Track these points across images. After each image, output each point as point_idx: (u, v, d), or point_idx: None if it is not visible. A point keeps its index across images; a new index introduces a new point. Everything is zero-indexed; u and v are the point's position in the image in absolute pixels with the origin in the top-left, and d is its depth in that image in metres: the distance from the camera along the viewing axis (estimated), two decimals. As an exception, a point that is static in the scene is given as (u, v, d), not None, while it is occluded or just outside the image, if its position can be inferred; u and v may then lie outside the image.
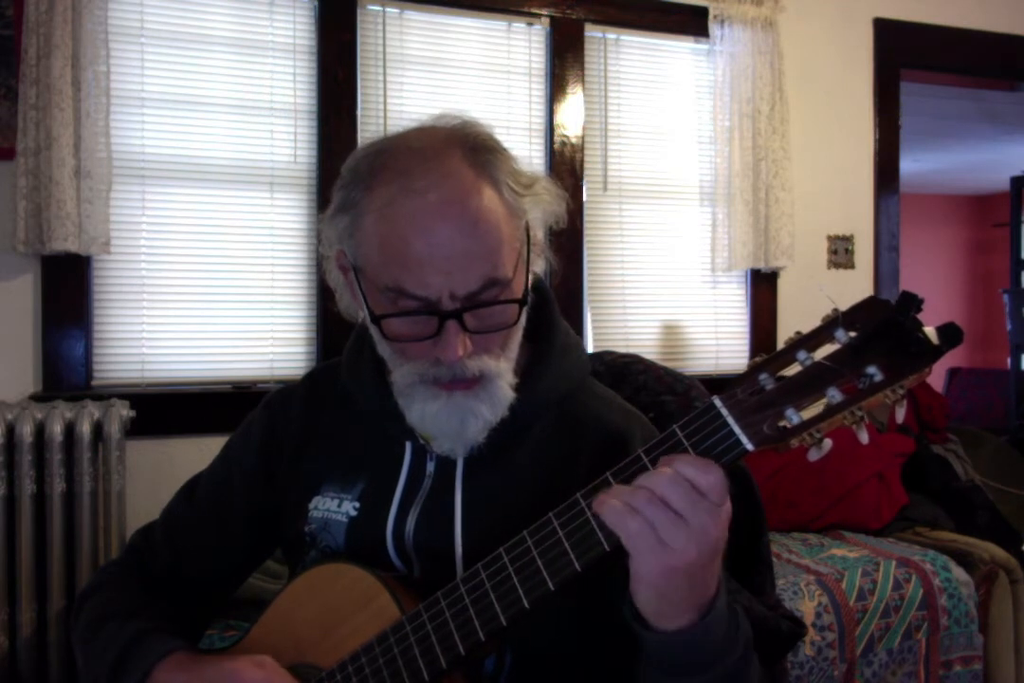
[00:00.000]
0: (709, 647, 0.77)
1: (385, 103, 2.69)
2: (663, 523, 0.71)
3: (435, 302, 0.85)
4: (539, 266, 0.98)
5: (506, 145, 0.94)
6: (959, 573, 2.35)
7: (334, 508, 0.99)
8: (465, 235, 0.84)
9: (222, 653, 0.96)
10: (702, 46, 3.06)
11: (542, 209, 0.94)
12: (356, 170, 0.90)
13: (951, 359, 6.53)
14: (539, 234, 0.95)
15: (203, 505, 1.09)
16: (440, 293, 0.85)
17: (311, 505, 1.01)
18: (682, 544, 0.71)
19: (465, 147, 0.88)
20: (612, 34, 2.97)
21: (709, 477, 0.71)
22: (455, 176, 0.86)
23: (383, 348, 0.93)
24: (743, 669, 0.80)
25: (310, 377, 1.11)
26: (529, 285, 0.92)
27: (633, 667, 0.85)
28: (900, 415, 0.73)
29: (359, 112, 2.65)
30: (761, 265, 3.01)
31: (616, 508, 0.72)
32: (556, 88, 2.88)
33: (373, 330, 0.92)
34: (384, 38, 2.69)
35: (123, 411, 2.20)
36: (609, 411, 1.00)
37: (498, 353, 0.90)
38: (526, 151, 2.85)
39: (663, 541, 0.71)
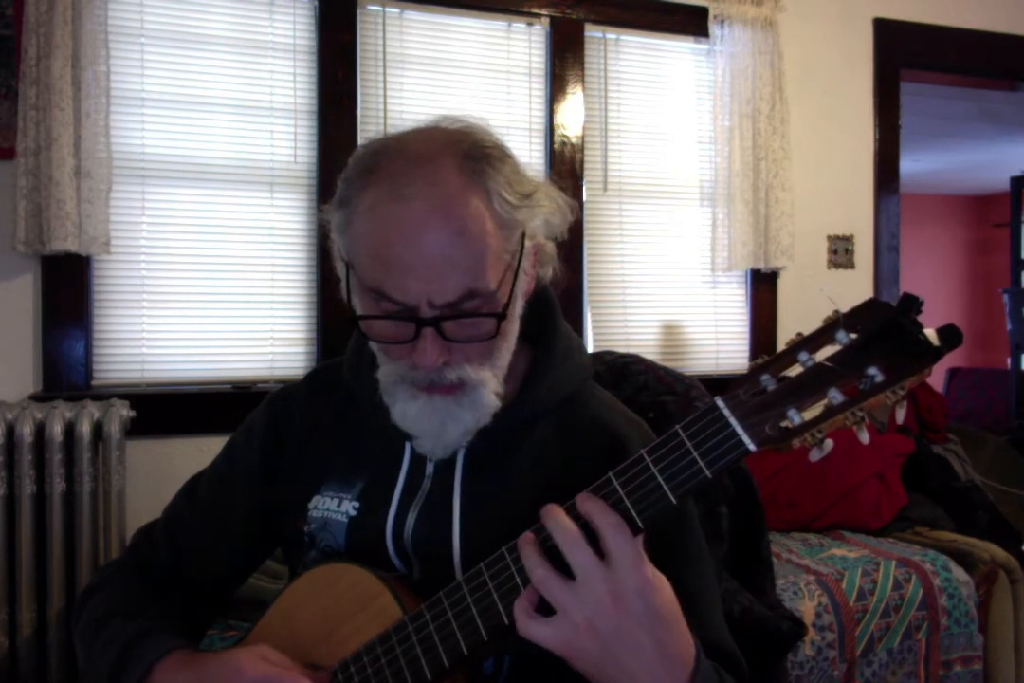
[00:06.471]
0: None
1: (385, 103, 2.69)
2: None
3: (414, 308, 0.85)
4: (546, 274, 0.98)
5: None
6: (959, 573, 2.35)
7: (334, 508, 0.99)
8: (447, 244, 0.84)
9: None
10: (702, 46, 3.06)
11: (542, 218, 0.92)
12: (355, 167, 0.91)
13: (951, 359, 6.53)
14: (543, 243, 0.95)
15: (204, 504, 1.09)
16: (419, 300, 0.85)
17: (311, 505, 1.01)
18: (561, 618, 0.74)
19: (460, 154, 0.88)
20: (612, 34, 2.97)
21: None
22: (443, 184, 0.86)
23: (372, 344, 0.94)
24: None
25: (312, 376, 1.11)
26: (515, 298, 0.91)
27: None
28: (900, 416, 0.73)
29: (359, 112, 2.65)
30: (761, 265, 3.01)
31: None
32: (556, 88, 2.88)
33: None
34: (384, 38, 2.69)
35: (123, 411, 2.20)
36: (610, 415, 1.00)
37: (481, 362, 0.89)
38: (526, 151, 2.85)
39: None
